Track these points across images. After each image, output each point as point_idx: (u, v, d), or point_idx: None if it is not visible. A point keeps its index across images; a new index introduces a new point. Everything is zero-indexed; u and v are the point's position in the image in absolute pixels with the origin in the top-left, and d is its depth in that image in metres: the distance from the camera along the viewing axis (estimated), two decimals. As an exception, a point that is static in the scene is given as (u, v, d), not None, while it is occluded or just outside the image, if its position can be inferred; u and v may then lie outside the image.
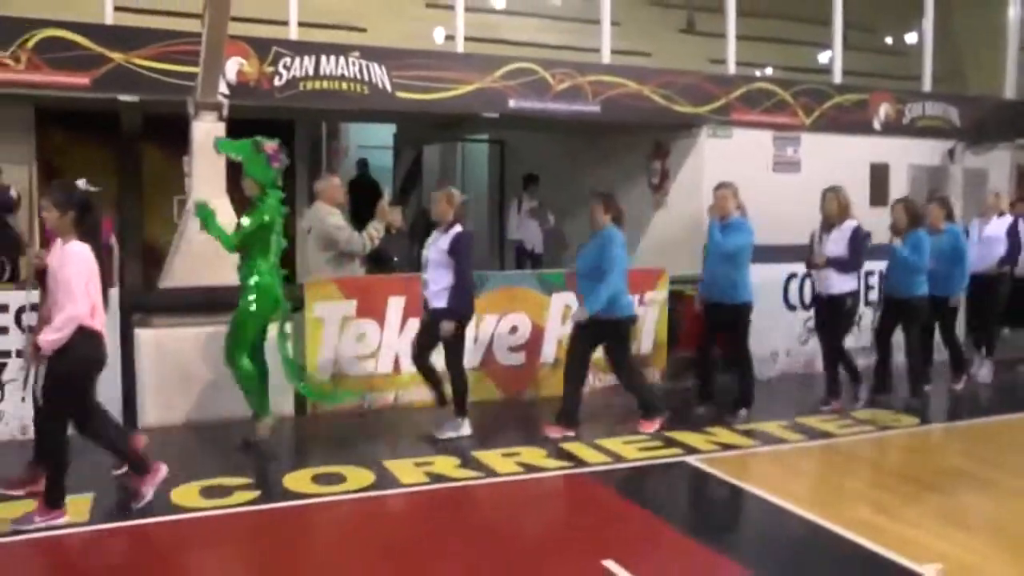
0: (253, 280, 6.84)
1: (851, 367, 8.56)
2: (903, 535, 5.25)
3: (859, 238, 8.25)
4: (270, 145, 6.88)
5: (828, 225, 8.38)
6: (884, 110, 12.74)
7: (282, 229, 6.96)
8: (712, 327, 8.32)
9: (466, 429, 7.34)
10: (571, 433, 7.37)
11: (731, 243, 7.94)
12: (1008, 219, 9.93)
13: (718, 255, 8.03)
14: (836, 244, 8.27)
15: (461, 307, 7.23)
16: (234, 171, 7.45)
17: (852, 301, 8.47)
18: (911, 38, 15.44)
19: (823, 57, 13.76)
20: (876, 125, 12.64)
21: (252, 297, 6.83)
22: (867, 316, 10.13)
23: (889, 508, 5.77)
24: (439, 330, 7.15)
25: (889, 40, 16.45)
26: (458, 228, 7.28)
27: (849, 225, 8.28)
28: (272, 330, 7.01)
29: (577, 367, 7.63)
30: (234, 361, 6.88)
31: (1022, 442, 7.92)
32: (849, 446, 7.31)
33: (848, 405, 8.37)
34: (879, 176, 12.32)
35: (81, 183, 7.75)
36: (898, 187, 12.60)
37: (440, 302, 7.21)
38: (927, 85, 13.26)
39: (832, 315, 8.44)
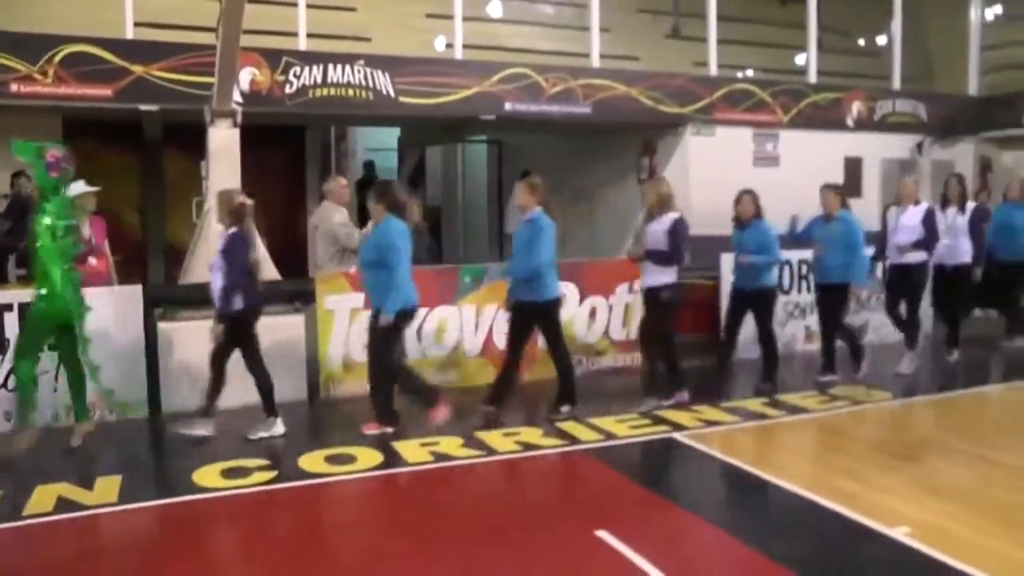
0: (44, 285, 6.35)
1: (672, 363, 7.83)
2: (876, 501, 5.27)
3: (678, 231, 7.52)
4: (52, 152, 6.33)
5: (649, 217, 7.73)
6: (857, 107, 12.79)
7: (69, 233, 6.44)
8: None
9: (279, 428, 6.87)
10: (390, 430, 6.92)
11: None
12: (924, 207, 9.04)
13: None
14: (655, 236, 7.60)
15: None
16: (251, 174, 7.49)
17: (670, 294, 7.60)
18: (882, 40, 15.45)
19: (800, 59, 13.78)
20: (849, 122, 12.69)
21: (42, 304, 6.37)
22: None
23: (863, 477, 5.79)
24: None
25: (861, 42, 16.47)
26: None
27: (669, 218, 7.56)
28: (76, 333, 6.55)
29: (380, 367, 7.04)
30: (16, 364, 6.49)
31: (987, 414, 7.99)
32: (825, 420, 7.33)
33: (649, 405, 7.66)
34: (853, 169, 12.39)
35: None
36: (871, 179, 12.66)
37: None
38: (897, 84, 13.31)
39: (651, 308, 7.75)
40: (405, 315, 6.88)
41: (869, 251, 8.96)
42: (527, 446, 6.60)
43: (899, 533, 4.79)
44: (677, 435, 6.83)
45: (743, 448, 6.70)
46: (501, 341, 8.69)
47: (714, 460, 6.33)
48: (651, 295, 7.69)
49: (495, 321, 8.57)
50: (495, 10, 13.22)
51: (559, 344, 7.51)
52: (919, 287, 9.14)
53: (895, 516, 5.02)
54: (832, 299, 8.61)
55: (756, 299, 8.31)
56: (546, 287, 7.27)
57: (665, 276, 7.61)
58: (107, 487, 5.75)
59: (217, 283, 6.70)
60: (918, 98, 13.38)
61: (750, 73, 13.58)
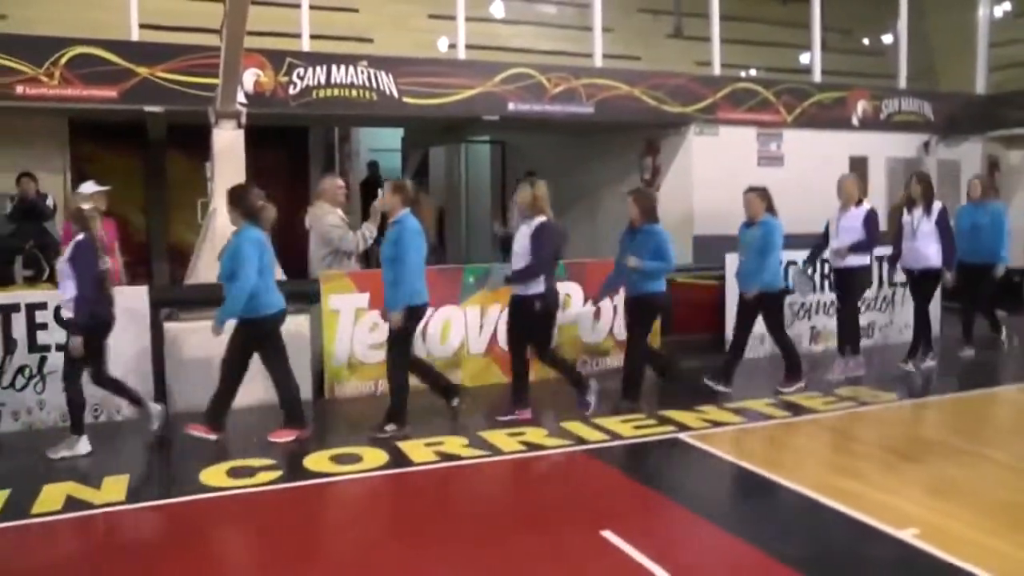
0: None
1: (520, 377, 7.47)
2: (882, 502, 5.28)
3: (541, 235, 7.09)
4: None
5: (521, 218, 7.38)
6: (862, 106, 12.78)
7: None
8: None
9: (83, 447, 6.47)
10: (213, 437, 6.67)
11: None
12: (865, 208, 8.60)
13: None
14: (520, 242, 7.22)
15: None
16: (255, 175, 7.49)
17: (540, 304, 7.14)
18: (887, 39, 15.44)
19: (804, 58, 13.77)
20: (854, 121, 12.68)
21: None
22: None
23: (869, 477, 5.80)
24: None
25: (866, 41, 16.46)
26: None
27: (537, 221, 7.14)
28: None
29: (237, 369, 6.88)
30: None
31: (994, 415, 7.99)
32: (831, 421, 7.32)
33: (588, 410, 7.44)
34: (858, 169, 12.34)
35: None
36: (877, 179, 12.65)
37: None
38: (903, 83, 13.30)
39: (518, 317, 7.36)
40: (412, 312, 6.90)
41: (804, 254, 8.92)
42: (532, 446, 6.61)
43: (907, 534, 4.78)
44: (683, 435, 6.83)
45: (749, 449, 6.70)
46: (504, 340, 8.73)
47: (720, 461, 6.32)
48: (520, 304, 7.25)
49: (499, 321, 8.59)
50: (497, 10, 13.24)
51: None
52: (858, 291, 8.85)
53: (902, 517, 5.02)
54: (760, 308, 8.16)
55: (633, 308, 7.78)
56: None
57: (536, 286, 7.14)
58: (115, 486, 5.79)
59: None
60: (924, 97, 13.36)
61: (753, 72, 13.58)
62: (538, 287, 7.14)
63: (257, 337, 6.77)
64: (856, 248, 8.48)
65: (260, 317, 6.67)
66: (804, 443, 6.88)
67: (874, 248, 8.67)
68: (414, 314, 6.95)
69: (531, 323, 7.29)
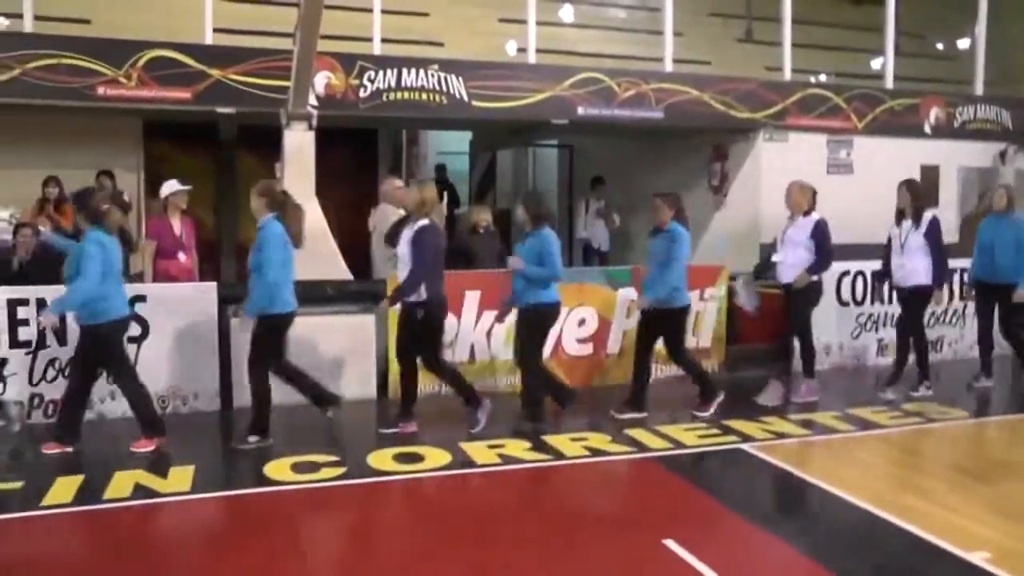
0: None
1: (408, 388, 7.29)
2: (950, 522, 5.17)
3: (420, 240, 6.86)
4: None
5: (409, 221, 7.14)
6: (935, 113, 12.49)
7: None
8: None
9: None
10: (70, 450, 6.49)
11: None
12: (814, 219, 7.94)
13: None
14: (402, 248, 7.03)
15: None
16: (324, 176, 7.57)
17: (423, 312, 6.93)
18: (963, 43, 15.07)
19: (875, 63, 13.51)
20: (927, 128, 12.40)
21: None
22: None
23: (936, 496, 5.68)
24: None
25: (940, 46, 16.08)
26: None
27: (418, 225, 6.94)
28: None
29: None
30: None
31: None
32: (898, 437, 7.19)
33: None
34: (929, 178, 12.08)
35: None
36: (949, 189, 12.37)
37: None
38: (979, 89, 12.96)
39: (405, 323, 7.14)
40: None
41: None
42: (595, 451, 6.62)
43: (977, 558, 4.66)
44: (745, 446, 6.77)
45: (813, 462, 6.62)
46: (570, 344, 8.73)
47: (783, 473, 6.26)
48: (408, 310, 7.04)
49: (564, 324, 8.58)
50: (566, 14, 13.21)
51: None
52: (809, 307, 8.11)
53: (972, 539, 4.91)
54: (660, 325, 7.63)
55: (522, 318, 7.29)
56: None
57: (419, 293, 6.88)
58: (181, 476, 5.96)
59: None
60: (1002, 104, 13.00)
61: (823, 78, 13.37)
62: (420, 295, 6.89)
63: (98, 344, 6.50)
64: (815, 268, 7.87)
65: (100, 323, 6.42)
66: (869, 458, 6.76)
67: (825, 264, 7.96)
68: (275, 323, 6.77)
69: (416, 332, 7.01)
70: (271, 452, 6.50)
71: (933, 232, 8.18)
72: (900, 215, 8.36)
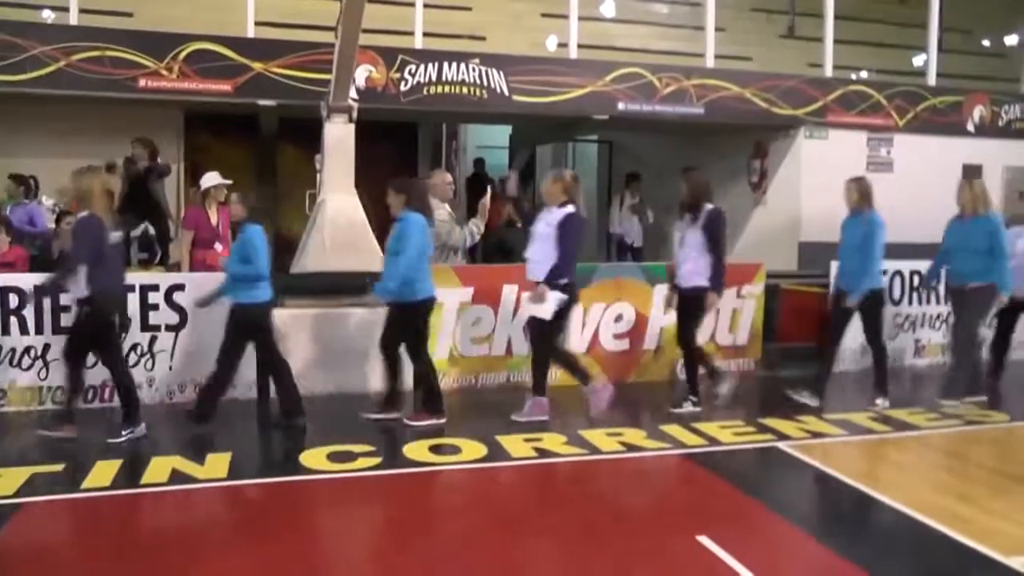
0: None
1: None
2: (989, 526, 5.08)
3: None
4: None
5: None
6: (979, 112, 12.30)
7: None
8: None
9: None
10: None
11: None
12: (567, 211, 7.05)
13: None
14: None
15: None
16: (364, 169, 7.59)
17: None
18: (1010, 40, 14.80)
19: (918, 60, 13.32)
20: (970, 127, 12.22)
21: None
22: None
23: (975, 499, 5.58)
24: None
25: (986, 43, 15.80)
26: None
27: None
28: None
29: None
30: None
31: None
32: (935, 438, 7.08)
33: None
34: (972, 177, 11.88)
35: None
36: (993, 188, 12.14)
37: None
38: (1026, 87, 12.74)
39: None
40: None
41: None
42: (630, 447, 6.59)
43: (1020, 563, 4.56)
44: (781, 444, 6.71)
45: (848, 462, 6.52)
46: (607, 340, 8.70)
47: (818, 472, 6.19)
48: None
49: (602, 320, 8.56)
50: (608, 10, 13.16)
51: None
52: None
53: (1012, 543, 4.82)
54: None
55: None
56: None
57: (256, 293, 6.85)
58: (218, 463, 6.01)
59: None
60: (1049, 103, 12.79)
61: (864, 75, 13.20)
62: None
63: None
64: (553, 274, 6.98)
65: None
66: (906, 459, 6.68)
67: (567, 265, 7.03)
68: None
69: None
70: (308, 441, 6.54)
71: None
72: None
